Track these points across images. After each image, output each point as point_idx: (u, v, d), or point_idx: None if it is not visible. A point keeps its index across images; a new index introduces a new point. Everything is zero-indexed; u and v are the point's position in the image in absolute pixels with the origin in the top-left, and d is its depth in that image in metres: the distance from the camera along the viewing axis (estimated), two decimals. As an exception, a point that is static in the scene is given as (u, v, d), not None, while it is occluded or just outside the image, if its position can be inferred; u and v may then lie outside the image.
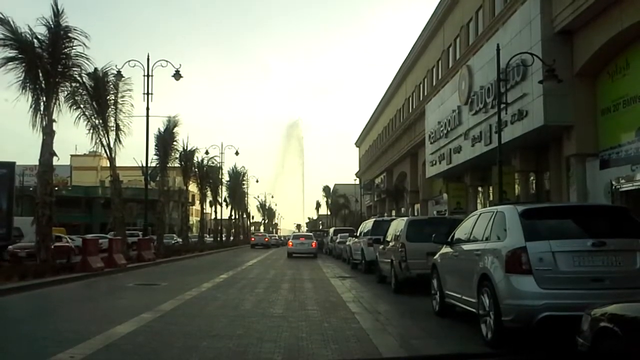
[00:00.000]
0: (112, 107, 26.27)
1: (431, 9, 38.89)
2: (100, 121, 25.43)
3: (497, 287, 7.61)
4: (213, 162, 51.91)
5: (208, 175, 51.36)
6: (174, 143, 37.65)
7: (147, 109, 30.19)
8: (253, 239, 64.54)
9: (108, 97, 25.95)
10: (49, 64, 19.83)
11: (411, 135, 43.31)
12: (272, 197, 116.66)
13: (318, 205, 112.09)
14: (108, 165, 28.24)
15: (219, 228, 61.90)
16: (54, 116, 19.96)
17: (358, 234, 25.82)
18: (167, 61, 31.01)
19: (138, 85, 56.14)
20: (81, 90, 23.85)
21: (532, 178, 23.86)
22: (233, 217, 71.13)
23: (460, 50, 33.83)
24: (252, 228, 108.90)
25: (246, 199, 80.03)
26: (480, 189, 30.18)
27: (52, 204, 19.82)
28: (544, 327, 7.24)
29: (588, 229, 7.82)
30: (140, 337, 8.52)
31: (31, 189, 41.04)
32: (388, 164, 53.87)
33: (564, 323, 6.67)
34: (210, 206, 58.83)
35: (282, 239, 72.75)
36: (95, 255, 20.66)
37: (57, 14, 20.09)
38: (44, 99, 19.69)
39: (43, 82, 19.73)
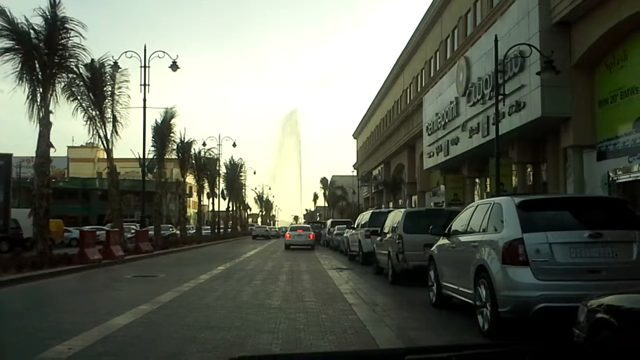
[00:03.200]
0: (109, 98, 26.15)
1: (429, 0, 38.77)
2: (97, 112, 25.32)
3: (494, 279, 7.64)
4: (210, 154, 51.83)
5: (205, 167, 51.25)
6: (171, 134, 37.48)
7: (144, 100, 30.14)
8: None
9: (105, 89, 25.82)
10: (45, 55, 19.73)
11: (409, 126, 43.28)
12: (270, 188, 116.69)
13: (315, 197, 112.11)
14: (105, 156, 28.17)
15: (217, 220, 61.88)
16: (51, 107, 19.89)
17: (355, 226, 25.85)
18: (164, 52, 30.92)
19: (135, 77, 55.90)
20: (78, 82, 23.72)
21: (529, 169, 23.88)
22: (230, 209, 71.13)
23: (458, 41, 33.76)
24: (250, 220, 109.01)
25: (244, 190, 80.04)
26: (477, 180, 30.21)
27: (49, 195, 19.77)
28: (541, 319, 7.27)
29: (585, 221, 7.84)
30: (138, 329, 8.54)
31: (28, 180, 40.88)
32: (386, 155, 53.84)
33: (561, 314, 6.69)
34: (208, 198, 58.79)
35: (284, 230, 73.38)
36: (92, 247, 20.66)
37: (53, 4, 19.97)
38: (41, 90, 19.61)
39: (40, 73, 19.64)
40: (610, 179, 17.34)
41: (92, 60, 23.98)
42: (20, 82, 19.53)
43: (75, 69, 21.96)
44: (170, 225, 55.15)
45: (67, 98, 23.38)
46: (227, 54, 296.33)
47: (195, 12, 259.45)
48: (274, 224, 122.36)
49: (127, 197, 46.67)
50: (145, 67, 30.01)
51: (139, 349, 7.45)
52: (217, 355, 6.97)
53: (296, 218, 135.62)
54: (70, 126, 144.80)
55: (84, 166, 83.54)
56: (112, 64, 26.25)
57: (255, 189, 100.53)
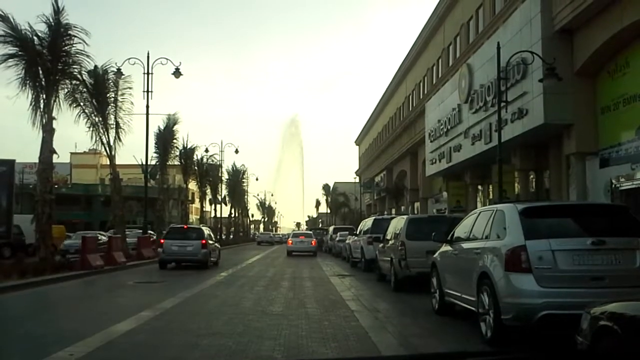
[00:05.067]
0: (112, 104, 26.28)
1: (432, 7, 38.93)
2: (100, 119, 25.43)
3: (497, 286, 7.62)
4: (213, 160, 51.91)
5: (208, 173, 51.30)
6: (174, 141, 37.65)
7: (147, 106, 30.16)
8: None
9: (108, 95, 25.95)
10: (49, 62, 19.81)
11: (411, 133, 43.29)
12: (272, 195, 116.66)
13: (318, 203, 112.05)
14: (108, 163, 28.24)
15: (219, 226, 61.89)
16: (54, 114, 19.98)
17: (358, 233, 25.81)
18: (167, 59, 30.93)
19: (138, 83, 55.91)
20: (81, 88, 23.83)
21: (532, 176, 23.85)
22: (233, 216, 71.18)
23: (461, 48, 33.81)
24: (252, 226, 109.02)
25: (246, 197, 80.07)
26: (480, 187, 30.18)
27: (51, 201, 19.82)
28: (544, 326, 7.24)
29: (588, 228, 7.82)
30: (140, 335, 8.53)
31: (31, 186, 40.99)
32: (388, 162, 53.84)
33: (564, 322, 6.67)
34: (210, 204, 58.80)
35: (287, 236, 73.91)
36: (94, 253, 20.65)
37: (57, 11, 20.08)
38: (44, 96, 19.68)
39: (43, 79, 19.72)
40: (613, 186, 17.31)
41: (95, 66, 24.13)
42: (24, 88, 19.65)
43: (78, 76, 22.09)
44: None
45: (70, 104, 23.53)
46: (228, 60, 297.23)
47: (197, 19, 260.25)
48: (276, 230, 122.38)
49: (129, 203, 46.70)
50: (148, 73, 30.08)
51: (141, 356, 7.45)
52: (219, 361, 6.96)
53: (298, 224, 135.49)
54: (73, 132, 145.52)
55: (86, 172, 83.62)
56: (115, 70, 26.38)
57: (258, 195, 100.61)
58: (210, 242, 24.37)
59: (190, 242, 23.22)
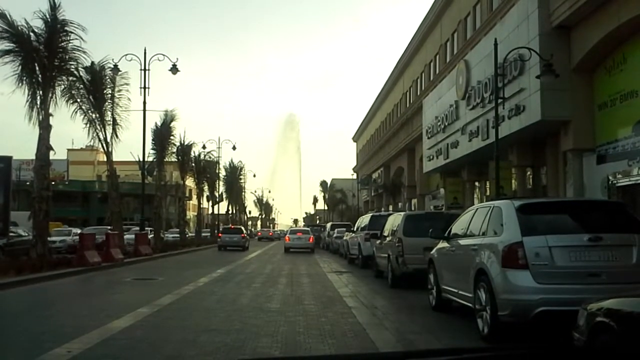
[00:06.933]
0: (109, 101, 26.21)
1: (429, 3, 38.84)
2: (97, 115, 25.36)
3: (494, 282, 7.63)
4: (210, 157, 51.83)
5: (205, 170, 51.25)
6: (171, 137, 37.58)
7: (144, 103, 30.10)
8: (260, 233, 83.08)
9: (105, 91, 25.88)
10: (45, 58, 19.75)
11: (408, 130, 43.28)
12: (270, 192, 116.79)
13: (315, 200, 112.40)
14: (105, 159, 28.19)
15: (216, 223, 61.87)
16: (51, 110, 19.93)
17: (355, 229, 25.84)
18: (164, 55, 30.85)
19: (135, 80, 55.91)
20: (78, 84, 23.79)
21: (529, 173, 23.87)
22: (230, 212, 71.17)
23: (458, 44, 33.79)
24: (250, 223, 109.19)
25: (243, 193, 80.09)
26: (477, 184, 30.21)
27: (48, 198, 19.77)
28: (540, 322, 7.26)
29: (585, 224, 7.84)
30: (137, 332, 8.53)
31: (28, 183, 40.93)
32: (385, 158, 53.83)
33: (560, 318, 6.69)
34: (207, 201, 58.79)
35: (284, 232, 74.51)
36: (92, 250, 20.63)
37: (53, 7, 20.01)
38: (41, 92, 19.62)
39: (40, 75, 19.66)
40: (610, 182, 17.33)
41: (92, 63, 24.07)
42: (20, 84, 19.59)
43: (75, 72, 22.04)
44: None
45: (67, 101, 23.48)
46: (227, 57, 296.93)
47: (194, 15, 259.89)
48: (273, 227, 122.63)
49: (126, 200, 46.78)
50: (145, 70, 30.00)
51: (139, 352, 7.44)
52: (217, 358, 6.97)
53: (296, 221, 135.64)
54: (70, 129, 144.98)
55: (83, 169, 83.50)
56: (112, 66, 26.30)
57: (255, 192, 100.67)
58: (246, 234, 41.93)
59: (235, 235, 38.98)
